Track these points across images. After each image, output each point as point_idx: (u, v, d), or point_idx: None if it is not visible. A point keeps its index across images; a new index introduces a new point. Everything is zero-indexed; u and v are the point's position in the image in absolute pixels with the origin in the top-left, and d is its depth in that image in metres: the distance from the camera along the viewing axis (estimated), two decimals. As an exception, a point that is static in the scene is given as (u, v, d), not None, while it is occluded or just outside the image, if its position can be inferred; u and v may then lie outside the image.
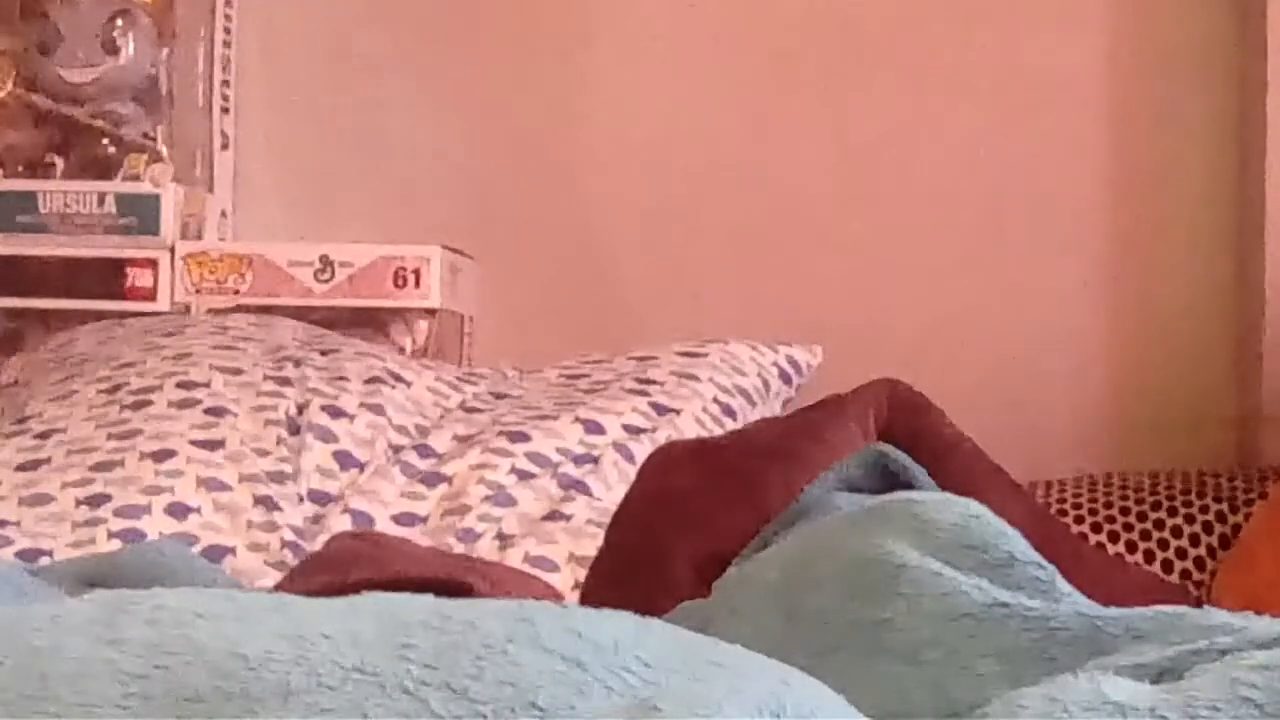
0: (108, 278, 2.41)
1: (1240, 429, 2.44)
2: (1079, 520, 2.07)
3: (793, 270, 2.55)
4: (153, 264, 2.40)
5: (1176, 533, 2.06)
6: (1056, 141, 2.53)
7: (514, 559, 1.80)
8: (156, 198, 2.42)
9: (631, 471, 1.59)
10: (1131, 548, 2.04)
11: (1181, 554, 2.04)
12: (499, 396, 2.11)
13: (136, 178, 2.45)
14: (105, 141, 2.49)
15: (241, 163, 2.63)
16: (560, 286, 2.60)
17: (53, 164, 2.49)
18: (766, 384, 2.17)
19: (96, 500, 1.86)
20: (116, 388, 2.03)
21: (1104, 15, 2.54)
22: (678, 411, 2.05)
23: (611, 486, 1.89)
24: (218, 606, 0.78)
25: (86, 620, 0.77)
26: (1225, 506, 2.08)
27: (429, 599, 0.80)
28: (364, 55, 2.65)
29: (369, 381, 2.06)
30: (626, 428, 2.01)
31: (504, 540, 1.85)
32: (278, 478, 1.92)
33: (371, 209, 2.60)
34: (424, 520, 1.89)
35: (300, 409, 2.00)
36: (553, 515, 1.88)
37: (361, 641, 0.74)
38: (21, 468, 1.92)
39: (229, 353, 2.09)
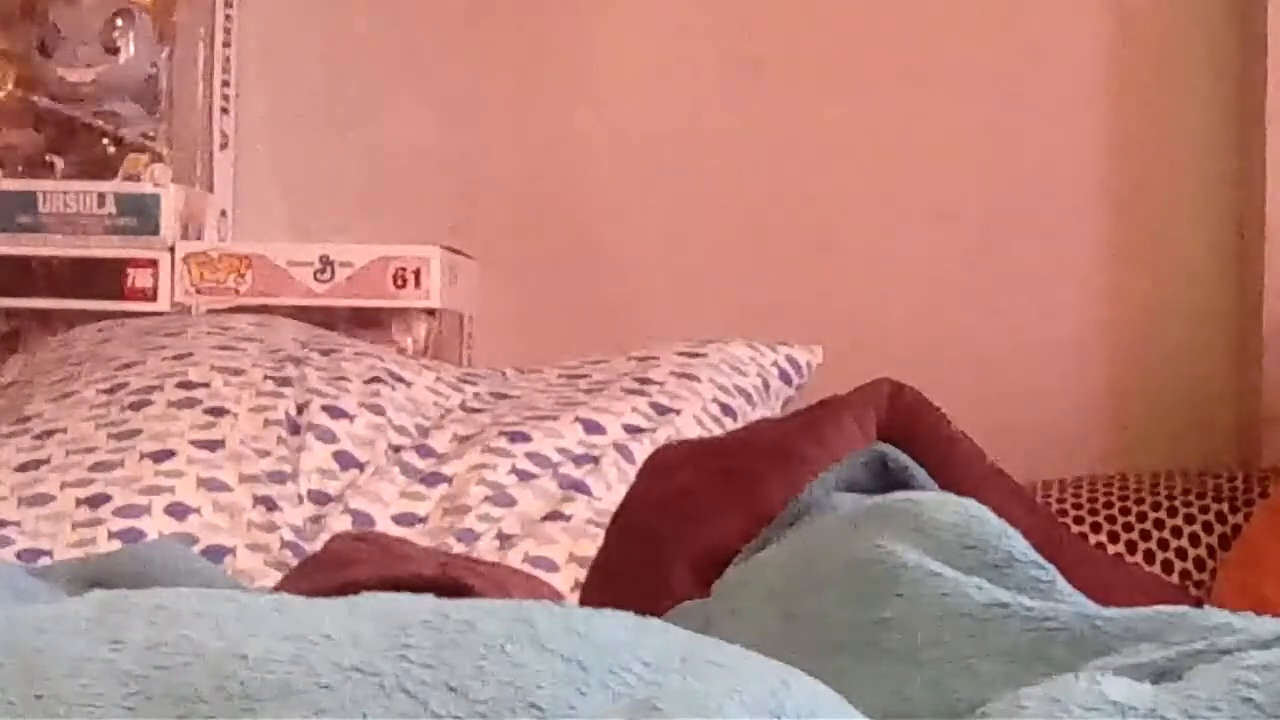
0: (108, 278, 2.41)
1: (1240, 429, 2.44)
2: (1079, 520, 2.07)
3: (793, 270, 2.55)
4: (153, 264, 2.41)
5: (1176, 533, 2.06)
6: (1056, 141, 2.53)
7: (514, 559, 1.80)
8: (156, 198, 2.42)
9: (631, 471, 1.59)
10: (1131, 548, 2.04)
11: (1181, 554, 2.04)
12: (499, 396, 2.11)
13: (136, 178, 2.45)
14: (105, 141, 2.49)
15: (241, 163, 2.63)
16: (560, 286, 2.60)
17: (53, 164, 2.49)
18: (766, 384, 2.17)
19: (96, 500, 1.86)
20: (116, 388, 2.03)
21: (1104, 15, 2.54)
22: (678, 411, 2.05)
23: (611, 486, 1.89)
24: (218, 606, 0.78)
25: (86, 620, 0.77)
26: (1225, 506, 2.08)
27: (429, 599, 0.80)
28: (364, 56, 2.65)
29: (369, 381, 2.06)
30: (626, 428, 2.01)
31: (504, 540, 1.85)
32: (278, 478, 1.92)
33: (371, 209, 2.60)
34: (424, 520, 1.89)
35: (300, 409, 2.00)
36: (553, 515, 1.88)
37: (361, 641, 0.74)
38: (21, 468, 1.92)
39: (229, 353, 2.09)
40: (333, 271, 2.38)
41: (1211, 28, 2.50)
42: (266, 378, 2.04)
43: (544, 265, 2.60)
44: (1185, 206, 2.51)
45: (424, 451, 1.97)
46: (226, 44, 2.60)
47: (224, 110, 2.60)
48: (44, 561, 1.71)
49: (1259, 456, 2.35)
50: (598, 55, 2.62)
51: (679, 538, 1.28)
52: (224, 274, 2.40)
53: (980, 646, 0.91)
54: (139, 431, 1.95)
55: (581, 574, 1.63)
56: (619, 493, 1.57)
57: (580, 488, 1.92)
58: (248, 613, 0.77)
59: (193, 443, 1.94)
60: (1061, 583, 0.97)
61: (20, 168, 2.50)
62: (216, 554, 1.80)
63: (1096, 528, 2.06)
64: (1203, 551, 2.04)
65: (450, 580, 1.19)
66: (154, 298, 2.40)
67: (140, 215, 2.42)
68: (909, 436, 1.35)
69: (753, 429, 1.67)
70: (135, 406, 1.99)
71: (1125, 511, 2.08)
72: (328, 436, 1.97)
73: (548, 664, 0.73)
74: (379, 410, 2.02)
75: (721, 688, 0.73)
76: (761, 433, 1.51)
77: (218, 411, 1.98)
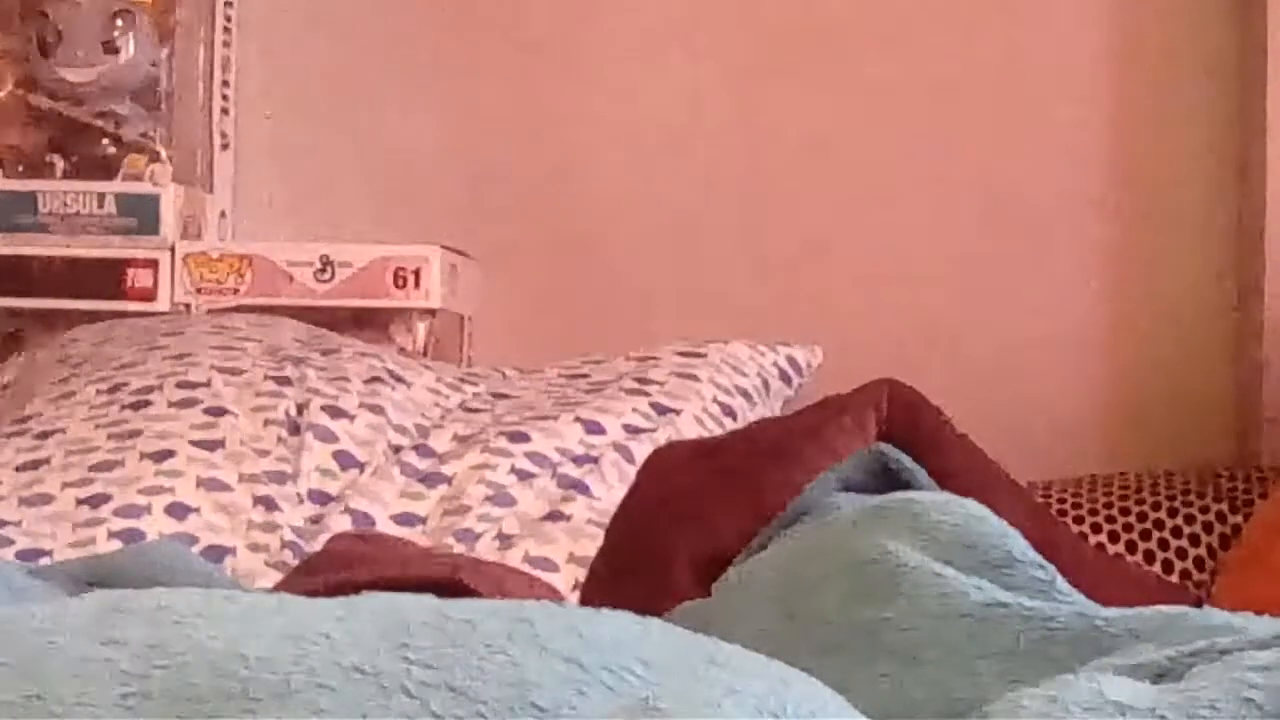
0: (108, 278, 2.41)
1: (1240, 429, 2.44)
2: (1079, 520, 2.06)
3: (793, 270, 2.55)
4: (153, 264, 2.40)
5: (1176, 533, 2.06)
6: (1056, 141, 2.53)
7: (514, 559, 1.80)
8: (156, 198, 2.42)
9: (631, 471, 1.59)
10: (1131, 548, 2.04)
11: (1181, 554, 2.04)
12: (499, 396, 2.11)
13: (137, 178, 2.45)
14: (105, 141, 2.49)
15: (241, 163, 2.63)
16: (560, 286, 2.60)
17: (53, 164, 2.49)
18: (766, 384, 2.17)
19: (96, 500, 1.86)
20: (116, 388, 2.03)
21: (1104, 15, 2.54)
22: (678, 411, 2.05)
23: (611, 486, 1.89)
24: (218, 606, 0.78)
25: (86, 620, 0.77)
26: (1225, 506, 2.08)
27: (429, 599, 0.80)
28: (364, 56, 2.65)
29: (369, 381, 2.06)
30: (626, 428, 2.01)
31: (504, 540, 1.85)
32: (278, 478, 1.92)
33: (371, 209, 2.60)
34: (424, 520, 1.89)
35: (300, 409, 2.00)
36: (553, 515, 1.88)
37: (361, 641, 0.74)
38: (21, 468, 1.92)
39: (229, 353, 2.09)
40: (333, 271, 2.38)
41: (1211, 28, 2.50)
42: (266, 378, 2.04)
43: (544, 265, 2.60)
44: (1185, 206, 2.51)
45: (424, 451, 1.97)
46: (226, 44, 2.60)
47: (224, 110, 2.60)
48: (44, 561, 1.71)
49: (1259, 456, 2.35)
50: (599, 55, 2.62)
51: (679, 538, 1.28)
52: (224, 274, 2.39)
53: (980, 646, 0.91)
54: (139, 431, 1.95)
55: (581, 574, 1.63)
56: (619, 493, 1.57)
57: (580, 488, 1.92)
58: (248, 613, 0.77)
59: (193, 443, 1.94)
60: (1061, 583, 0.98)
61: (20, 168, 2.50)
62: (216, 554, 1.80)
63: (1096, 528, 2.06)
64: (1203, 551, 2.04)
65: (450, 580, 1.19)
66: (154, 298, 2.40)
67: (140, 215, 2.42)
68: (909, 437, 1.35)
69: (753, 429, 1.67)
70: (135, 406, 1.99)
71: (1125, 511, 2.08)
72: (328, 436, 1.97)
73: (548, 664, 0.73)
74: (379, 410, 2.02)
75: (721, 688, 0.73)
76: (761, 433, 1.51)
77: (218, 411, 1.98)
